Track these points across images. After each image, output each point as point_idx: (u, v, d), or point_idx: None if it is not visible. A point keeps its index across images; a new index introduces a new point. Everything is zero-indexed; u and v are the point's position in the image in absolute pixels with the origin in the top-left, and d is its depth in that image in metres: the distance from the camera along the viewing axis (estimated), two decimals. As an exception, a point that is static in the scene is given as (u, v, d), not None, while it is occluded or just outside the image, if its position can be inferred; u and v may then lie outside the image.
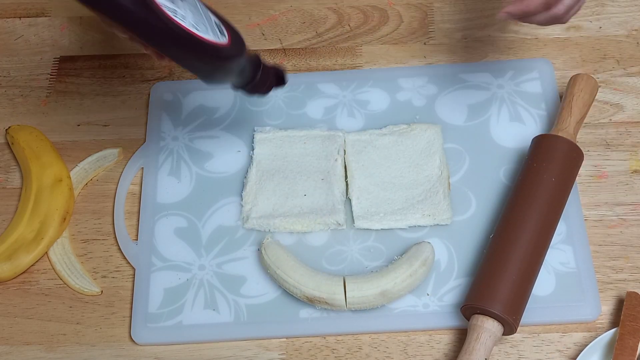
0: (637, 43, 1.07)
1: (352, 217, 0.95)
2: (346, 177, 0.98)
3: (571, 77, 0.98)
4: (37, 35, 1.14)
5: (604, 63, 1.06)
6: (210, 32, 0.77)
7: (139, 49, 1.10)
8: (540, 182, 0.89)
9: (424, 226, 0.94)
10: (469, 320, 0.85)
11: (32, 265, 0.95)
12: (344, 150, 0.99)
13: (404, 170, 0.97)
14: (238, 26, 1.12)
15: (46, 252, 0.96)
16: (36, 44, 1.13)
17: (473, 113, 1.02)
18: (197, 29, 0.75)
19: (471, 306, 0.84)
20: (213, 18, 0.81)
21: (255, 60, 0.87)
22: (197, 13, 0.77)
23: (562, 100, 0.97)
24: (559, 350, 0.87)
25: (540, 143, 0.93)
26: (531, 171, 0.91)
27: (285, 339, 0.89)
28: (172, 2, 0.73)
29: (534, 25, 1.09)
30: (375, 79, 1.05)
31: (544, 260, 0.88)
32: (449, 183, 0.96)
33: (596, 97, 0.99)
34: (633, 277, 0.91)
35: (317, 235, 0.94)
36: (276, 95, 1.04)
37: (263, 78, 0.88)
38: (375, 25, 1.11)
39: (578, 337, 0.88)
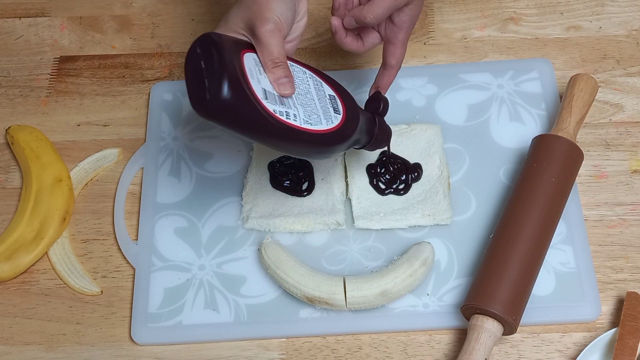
0: (637, 43, 1.07)
1: (352, 217, 0.95)
2: (346, 177, 0.98)
3: (571, 77, 0.98)
4: (37, 35, 1.14)
5: (604, 63, 1.06)
6: (323, 120, 0.79)
7: (139, 49, 1.11)
8: (540, 182, 0.89)
9: (424, 226, 0.94)
10: (468, 320, 0.85)
11: (32, 265, 0.95)
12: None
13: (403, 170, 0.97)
14: (238, 26, 1.13)
15: (46, 252, 0.96)
16: (36, 44, 1.13)
17: (473, 113, 1.02)
18: (309, 124, 0.77)
19: (471, 306, 0.84)
20: (327, 92, 0.82)
21: (371, 118, 0.86)
22: (308, 103, 0.79)
23: (562, 100, 0.97)
24: (559, 350, 0.87)
25: (540, 143, 0.93)
26: (531, 171, 0.91)
27: (285, 339, 0.89)
28: (283, 105, 0.75)
29: (534, 26, 1.09)
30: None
31: (544, 260, 0.88)
32: (449, 183, 0.96)
33: (596, 97, 0.99)
34: (633, 277, 0.91)
35: (317, 235, 0.94)
36: (276, 95, 1.05)
37: (381, 131, 0.87)
38: (375, 25, 1.11)
39: (578, 337, 0.88)
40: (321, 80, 0.83)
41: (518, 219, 0.87)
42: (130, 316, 0.91)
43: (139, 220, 0.97)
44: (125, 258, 0.95)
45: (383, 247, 0.93)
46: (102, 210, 0.99)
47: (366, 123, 0.84)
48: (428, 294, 0.90)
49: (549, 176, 0.89)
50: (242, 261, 0.93)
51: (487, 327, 0.82)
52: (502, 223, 0.89)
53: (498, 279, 0.84)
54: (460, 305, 0.86)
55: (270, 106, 0.73)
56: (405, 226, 0.94)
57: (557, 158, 0.90)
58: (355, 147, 0.85)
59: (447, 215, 0.94)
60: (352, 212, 0.95)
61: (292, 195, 0.96)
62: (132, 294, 0.92)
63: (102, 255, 0.96)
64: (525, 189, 0.89)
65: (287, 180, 0.97)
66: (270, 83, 0.76)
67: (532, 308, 0.87)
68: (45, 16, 1.15)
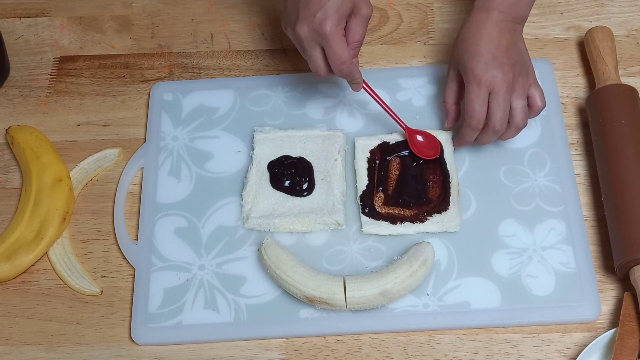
0: (637, 43, 1.07)
1: (360, 222, 0.94)
2: (346, 177, 0.98)
3: (586, 33, 1.02)
4: (37, 35, 1.14)
5: (604, 63, 1.06)
6: None
7: (139, 49, 1.11)
8: (616, 130, 0.93)
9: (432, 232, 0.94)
10: (624, 277, 0.88)
11: (32, 265, 0.95)
12: (345, 151, 0.99)
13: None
14: (238, 26, 1.13)
15: (46, 252, 0.96)
16: (36, 44, 1.13)
17: (473, 113, 1.01)
18: None
19: (629, 261, 0.86)
20: None
21: None
22: None
23: (590, 59, 1.01)
24: (559, 350, 0.87)
25: (596, 98, 0.97)
26: (605, 125, 0.94)
27: (285, 339, 0.89)
28: None
29: (534, 25, 1.09)
30: (375, 79, 1.05)
31: (544, 260, 0.88)
32: (458, 190, 0.95)
33: (596, 97, 1.00)
34: (633, 277, 0.91)
35: (317, 235, 0.94)
36: (276, 95, 1.04)
37: None
38: (375, 25, 1.11)
39: (578, 337, 0.88)
40: None
41: (627, 168, 0.90)
42: (130, 316, 0.91)
43: (139, 220, 0.97)
44: (125, 258, 0.95)
45: (383, 247, 0.93)
46: (102, 210, 0.99)
47: None
48: (428, 294, 0.90)
49: (618, 122, 0.93)
50: (242, 261, 0.93)
51: None
52: (611, 179, 0.91)
53: None
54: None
55: None
56: (414, 233, 0.93)
57: (617, 103, 0.95)
58: None
59: (456, 222, 0.93)
60: (359, 217, 0.94)
61: (292, 195, 0.96)
62: (132, 294, 0.92)
63: (102, 255, 0.96)
64: (613, 141, 0.93)
65: (287, 180, 0.97)
66: None
67: (532, 308, 0.87)
68: (45, 16, 1.15)
